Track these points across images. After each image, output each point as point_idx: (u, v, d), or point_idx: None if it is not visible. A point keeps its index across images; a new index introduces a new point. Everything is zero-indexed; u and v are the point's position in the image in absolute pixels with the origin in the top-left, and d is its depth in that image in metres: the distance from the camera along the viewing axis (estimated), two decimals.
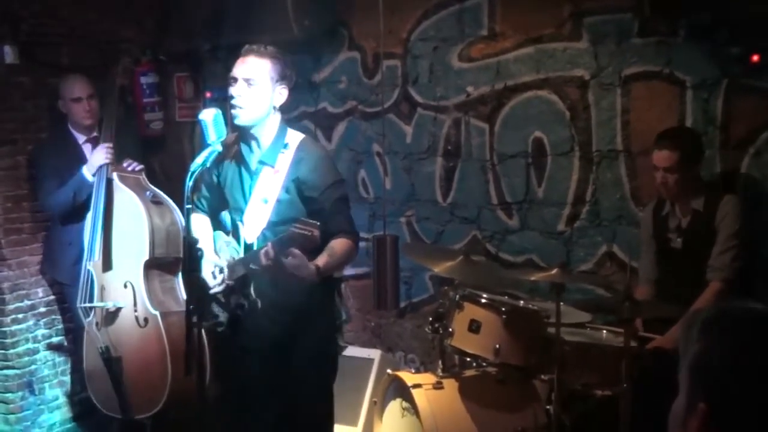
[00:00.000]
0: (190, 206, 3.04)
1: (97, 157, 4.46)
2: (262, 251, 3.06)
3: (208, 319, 3.18)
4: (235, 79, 3.23)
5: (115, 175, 4.51)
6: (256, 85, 3.22)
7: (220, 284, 3.28)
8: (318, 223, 2.91)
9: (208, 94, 5.54)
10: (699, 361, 1.33)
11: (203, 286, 3.16)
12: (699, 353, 1.33)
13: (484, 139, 4.73)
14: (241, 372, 3.54)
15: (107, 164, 4.45)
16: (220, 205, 3.52)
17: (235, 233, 3.32)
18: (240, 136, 3.35)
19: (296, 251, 2.99)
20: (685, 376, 1.35)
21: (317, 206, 3.27)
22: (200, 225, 3.51)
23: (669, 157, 3.73)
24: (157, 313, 4.27)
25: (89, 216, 4.45)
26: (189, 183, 3.08)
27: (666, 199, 3.91)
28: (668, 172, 3.74)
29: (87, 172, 4.49)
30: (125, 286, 4.38)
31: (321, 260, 3.16)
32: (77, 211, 4.56)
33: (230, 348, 3.46)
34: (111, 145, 4.47)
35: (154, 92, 5.46)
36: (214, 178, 3.43)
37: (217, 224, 3.54)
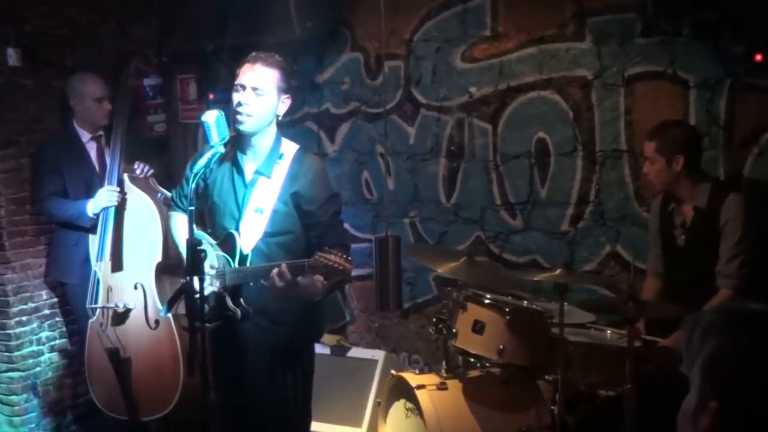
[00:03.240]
0: (193, 208, 3.03)
1: (102, 198, 4.43)
2: (276, 272, 3.03)
3: (211, 321, 3.18)
4: (243, 87, 3.18)
5: (126, 176, 4.51)
6: (265, 94, 3.19)
7: (214, 289, 3.27)
8: (348, 256, 2.95)
9: (211, 96, 5.55)
10: (713, 359, 1.33)
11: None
12: (713, 352, 1.33)
13: (487, 139, 4.73)
14: (223, 374, 3.51)
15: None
16: (200, 203, 3.45)
17: (229, 241, 3.29)
18: (236, 141, 3.32)
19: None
20: (697, 374, 1.35)
21: (314, 220, 3.28)
22: (182, 225, 3.48)
23: (647, 146, 3.81)
24: (169, 315, 4.26)
25: (99, 216, 4.45)
26: (192, 185, 3.08)
27: (656, 189, 3.94)
28: (648, 161, 3.81)
29: (90, 208, 4.47)
30: (135, 288, 4.38)
31: (328, 280, 3.17)
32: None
33: (215, 350, 3.43)
34: (117, 189, 4.45)
35: (158, 94, 5.48)
36: (200, 179, 3.40)
37: (199, 225, 3.49)
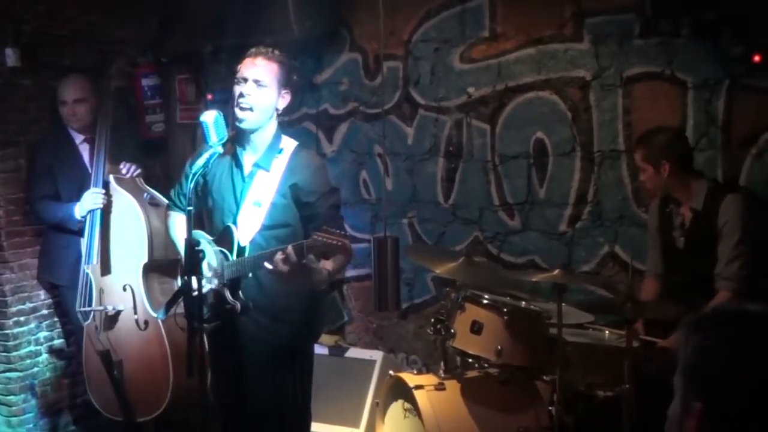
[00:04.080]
0: (191, 208, 3.03)
1: (88, 201, 4.43)
2: (280, 256, 3.02)
3: (209, 321, 3.17)
4: (245, 79, 3.22)
5: (111, 178, 4.51)
6: (266, 87, 3.22)
7: (212, 286, 3.26)
8: (347, 234, 2.97)
9: (209, 96, 5.55)
10: (692, 361, 1.34)
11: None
12: (691, 354, 1.34)
13: (485, 140, 4.73)
14: (222, 372, 3.50)
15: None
16: (200, 203, 3.45)
17: (226, 235, 3.29)
18: (236, 137, 3.33)
19: (311, 257, 3.03)
20: (679, 378, 1.36)
21: (313, 211, 3.29)
22: (180, 225, 3.47)
23: (636, 156, 3.92)
24: (164, 318, 4.25)
25: (87, 219, 4.45)
26: (190, 185, 3.08)
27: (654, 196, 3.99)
28: (640, 170, 3.90)
29: (77, 211, 4.47)
30: (124, 289, 4.38)
31: (329, 264, 3.17)
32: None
33: (215, 349, 3.42)
34: (102, 191, 4.44)
35: (156, 94, 5.46)
36: (200, 177, 3.39)
37: (198, 224, 3.49)
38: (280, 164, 3.29)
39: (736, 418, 1.28)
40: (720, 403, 1.29)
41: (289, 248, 3.01)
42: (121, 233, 4.45)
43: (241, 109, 3.21)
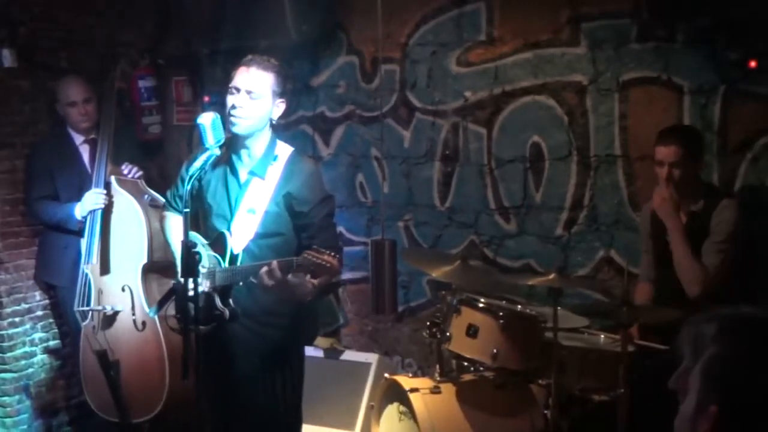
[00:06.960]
0: (188, 210, 3.02)
1: (90, 201, 4.45)
2: (265, 270, 3.02)
3: (205, 323, 3.17)
4: (237, 89, 3.19)
5: (113, 179, 4.52)
6: (259, 98, 3.19)
7: (204, 289, 3.25)
8: (336, 255, 2.94)
9: (206, 98, 5.54)
10: (714, 364, 1.34)
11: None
12: (714, 357, 1.34)
13: (482, 143, 4.74)
14: (212, 377, 3.48)
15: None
16: (195, 206, 3.41)
17: (220, 241, 3.28)
18: (230, 144, 3.32)
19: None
20: (698, 378, 1.36)
21: (306, 221, 3.26)
22: (176, 226, 3.46)
23: (675, 152, 3.70)
24: (155, 316, 4.26)
25: (87, 219, 4.46)
26: (186, 187, 3.07)
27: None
28: (674, 167, 3.72)
29: (78, 211, 4.48)
30: (123, 290, 4.39)
31: (316, 278, 3.16)
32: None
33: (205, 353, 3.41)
34: (104, 191, 4.46)
35: (153, 96, 5.45)
36: (196, 181, 3.34)
37: (193, 226, 3.46)
38: (275, 172, 3.28)
39: (753, 426, 1.28)
40: (739, 408, 1.29)
41: (274, 263, 3.00)
42: (122, 234, 4.46)
43: (234, 120, 3.20)
